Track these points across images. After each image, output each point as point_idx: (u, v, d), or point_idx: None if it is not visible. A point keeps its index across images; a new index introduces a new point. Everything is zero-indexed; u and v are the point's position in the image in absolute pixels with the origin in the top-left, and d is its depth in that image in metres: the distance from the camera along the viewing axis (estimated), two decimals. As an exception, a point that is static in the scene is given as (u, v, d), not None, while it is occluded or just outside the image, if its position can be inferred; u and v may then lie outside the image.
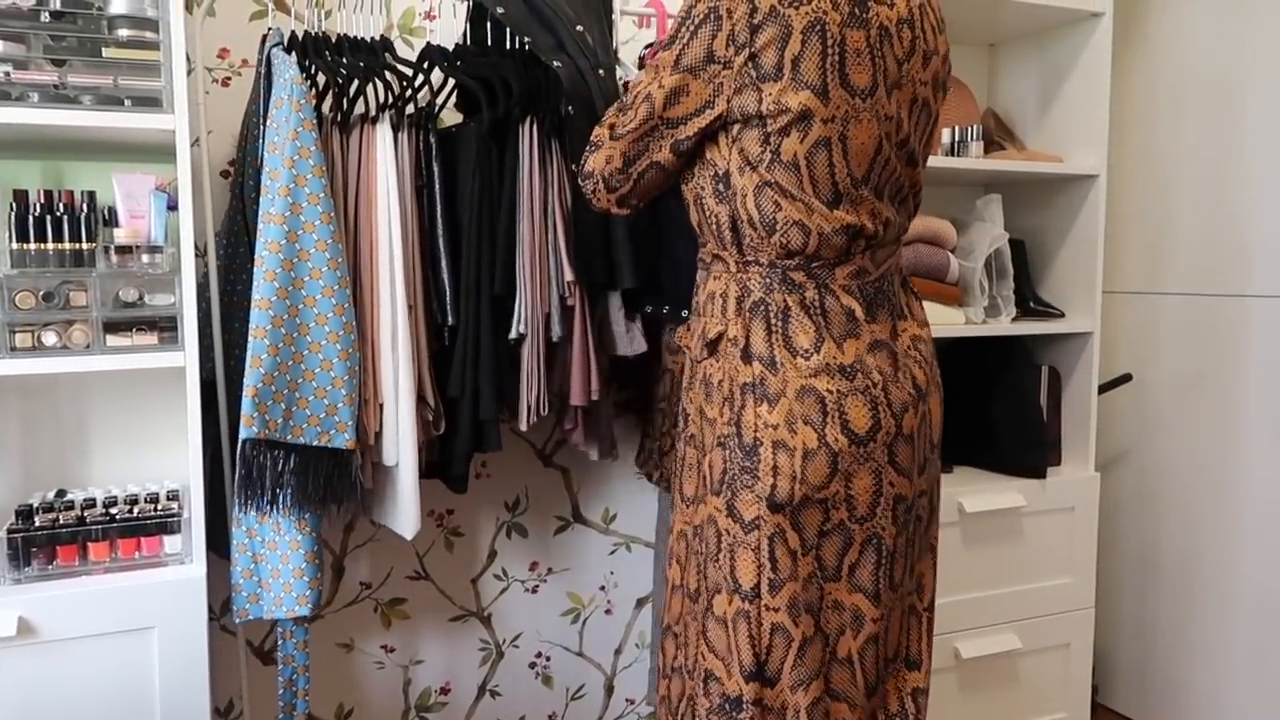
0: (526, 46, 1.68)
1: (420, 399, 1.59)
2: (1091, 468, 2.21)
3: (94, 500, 1.54)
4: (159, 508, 1.55)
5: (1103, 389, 2.26)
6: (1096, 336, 2.18)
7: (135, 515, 1.52)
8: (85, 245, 1.49)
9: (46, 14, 1.42)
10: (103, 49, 1.45)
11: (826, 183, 1.23)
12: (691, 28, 1.22)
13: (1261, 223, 2.09)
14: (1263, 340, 2.09)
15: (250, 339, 1.42)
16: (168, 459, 1.77)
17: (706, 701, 1.29)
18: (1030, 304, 2.20)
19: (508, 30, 1.72)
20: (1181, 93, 2.25)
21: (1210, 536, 2.21)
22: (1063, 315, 2.21)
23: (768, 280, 1.27)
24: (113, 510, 1.53)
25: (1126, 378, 2.32)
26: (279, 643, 1.58)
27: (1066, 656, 2.18)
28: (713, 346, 1.31)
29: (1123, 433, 2.41)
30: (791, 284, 1.27)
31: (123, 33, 1.47)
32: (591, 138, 1.36)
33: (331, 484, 1.45)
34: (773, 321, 1.27)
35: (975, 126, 2.12)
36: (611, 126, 1.32)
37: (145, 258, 1.51)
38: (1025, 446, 2.14)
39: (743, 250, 1.28)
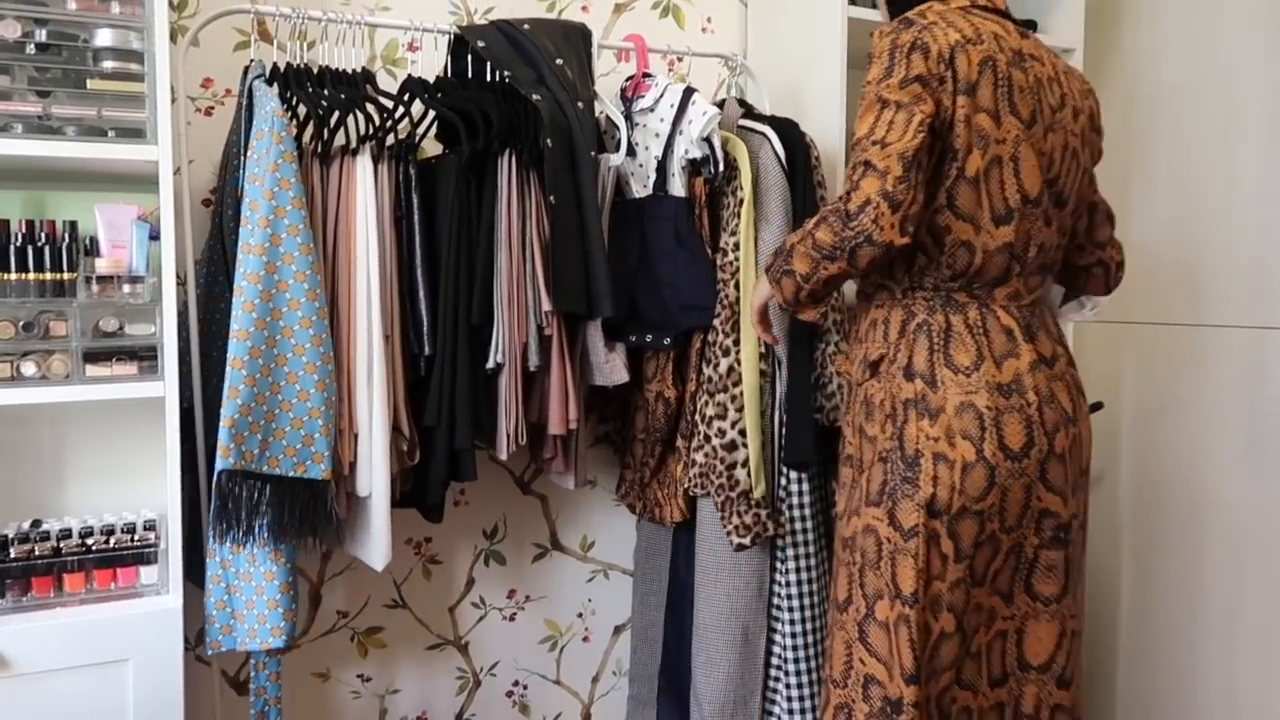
0: (507, 80, 1.70)
1: (395, 429, 1.59)
2: (1065, 496, 2.23)
3: (70, 531, 1.54)
4: (135, 538, 1.55)
5: (1076, 418, 2.29)
6: (1069, 366, 2.21)
7: (111, 546, 1.52)
8: (66, 275, 1.50)
9: (32, 46, 1.43)
10: (87, 80, 1.46)
11: (999, 199, 1.36)
12: (904, 54, 1.33)
13: (1224, 253, 2.13)
14: (1228, 369, 2.12)
15: (228, 369, 1.43)
16: (145, 488, 1.77)
17: (866, 706, 1.37)
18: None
19: (488, 63, 1.74)
20: (1151, 126, 2.29)
21: (1179, 562, 2.24)
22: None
23: (931, 303, 1.40)
24: (89, 541, 1.52)
25: (1099, 405, 2.35)
26: (252, 674, 1.58)
27: (1042, 684, 2.20)
28: (874, 368, 1.42)
29: (1095, 460, 2.44)
30: (955, 304, 1.39)
31: (107, 64, 1.48)
32: (854, 181, 1.30)
33: (307, 515, 1.46)
34: (935, 340, 1.38)
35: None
36: (867, 163, 1.30)
37: (126, 288, 1.52)
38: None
39: (911, 275, 1.41)
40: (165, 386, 1.50)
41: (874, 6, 2.12)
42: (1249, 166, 2.08)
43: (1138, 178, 2.33)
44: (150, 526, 1.61)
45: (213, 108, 1.84)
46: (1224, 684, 2.15)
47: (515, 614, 2.13)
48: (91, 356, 1.49)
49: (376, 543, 1.55)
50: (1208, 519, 2.17)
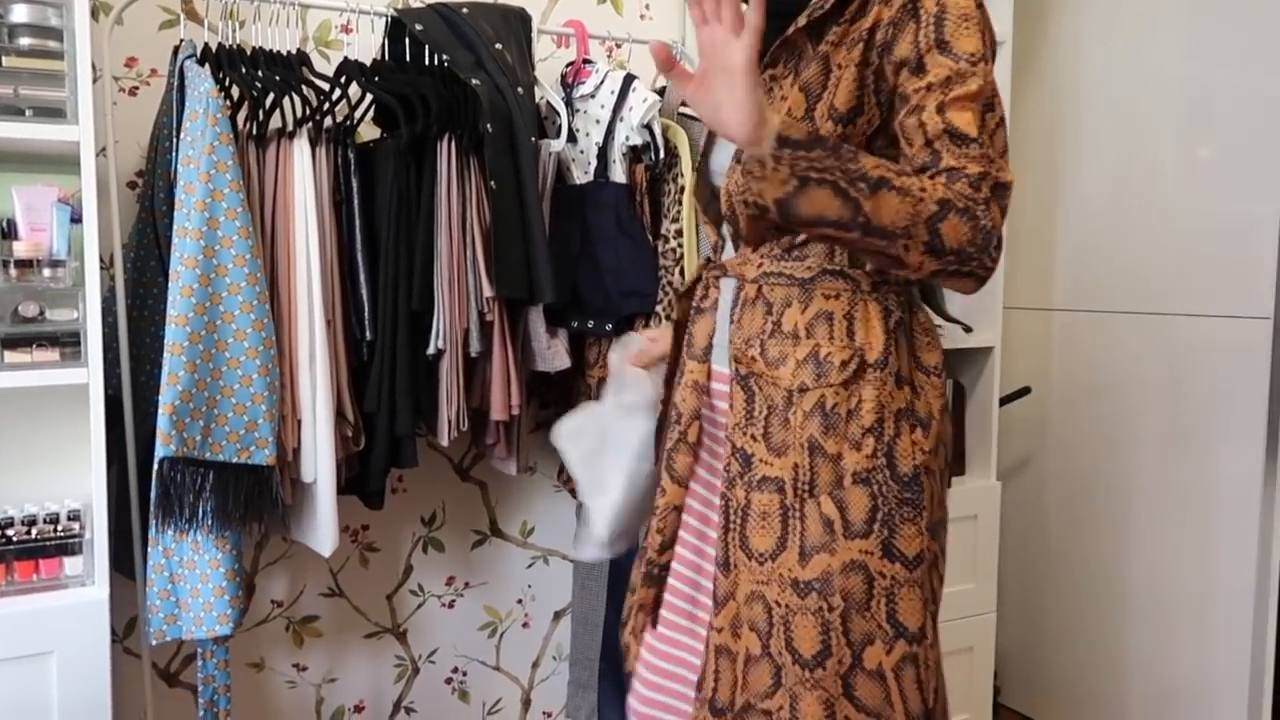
0: (445, 64, 1.68)
1: (339, 415, 1.57)
2: (993, 477, 2.30)
3: (-9, 522, 1.49)
4: (59, 528, 1.50)
5: (1003, 401, 2.36)
6: (998, 351, 2.28)
7: (34, 537, 1.47)
8: (-17, 259, 1.44)
9: (-57, 20, 1.37)
10: (2, 58, 1.41)
11: None
12: (980, 25, 1.04)
13: (1149, 243, 2.21)
14: (1153, 355, 2.21)
15: (166, 355, 1.40)
16: (69, 478, 1.72)
17: None
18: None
19: (426, 47, 1.72)
20: (1077, 117, 2.37)
21: (1104, 542, 2.33)
22: (971, 330, 2.30)
23: (901, 298, 1.15)
24: (9, 532, 1.47)
25: (1026, 390, 2.43)
26: (199, 663, 1.54)
27: (970, 660, 2.27)
28: (855, 372, 1.12)
29: (1023, 444, 2.52)
30: (913, 300, 1.17)
31: (24, 41, 1.43)
32: (988, 196, 0.99)
33: (252, 501, 1.43)
34: (911, 340, 1.16)
35: (883, 149, 2.19)
36: (1007, 185, 1.02)
37: (47, 271, 1.47)
38: (931, 457, 2.21)
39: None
40: (89, 373, 1.45)
41: None
42: (1170, 157, 2.17)
43: (1064, 167, 2.41)
44: (74, 516, 1.56)
45: (138, 88, 1.78)
46: (1151, 659, 2.25)
47: (454, 601, 2.12)
48: (10, 342, 1.44)
49: (323, 528, 1.53)
50: (1133, 500, 2.27)
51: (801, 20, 1.08)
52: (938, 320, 2.21)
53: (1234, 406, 2.04)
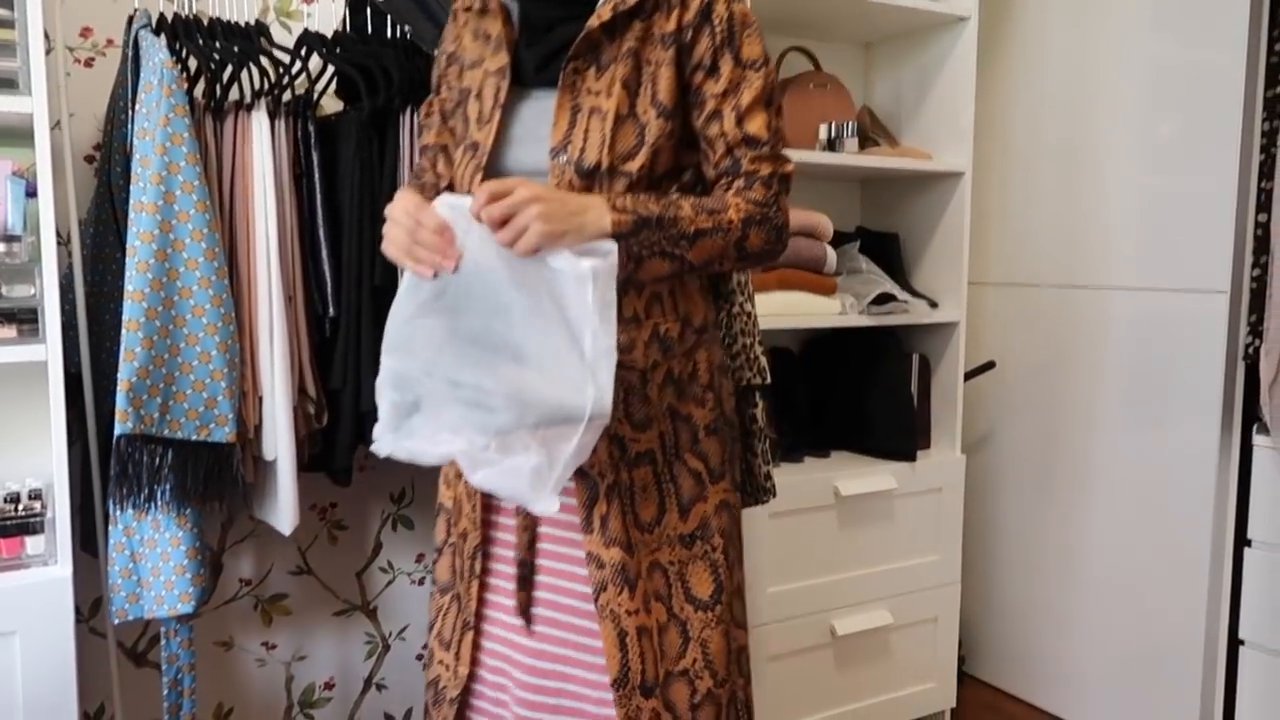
0: (408, 35, 1.66)
1: (302, 392, 1.56)
2: (958, 450, 2.33)
3: (-52, 502, 1.47)
4: (20, 508, 1.49)
5: (968, 376, 2.38)
6: (962, 326, 2.30)
7: (-5, 516, 1.45)
8: (-66, 233, 1.41)
9: (-112, -12, 1.34)
10: (-48, 26, 1.37)
11: None
12: (759, 32, 1.21)
13: (1109, 219, 2.24)
14: (1113, 329, 2.24)
15: (124, 332, 1.38)
16: (30, 457, 1.69)
17: (742, 680, 1.28)
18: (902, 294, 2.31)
19: (388, 18, 1.70)
20: (1040, 94, 2.38)
21: (1064, 513, 2.37)
22: (936, 305, 2.32)
23: None
24: (-31, 512, 1.46)
25: (990, 365, 2.46)
26: (163, 642, 1.54)
27: (935, 630, 2.31)
28: (684, 341, 1.24)
29: (987, 417, 2.56)
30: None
31: (-27, 9, 1.39)
32: (777, 193, 1.19)
33: (212, 479, 1.42)
34: (716, 304, 1.33)
35: (850, 123, 2.20)
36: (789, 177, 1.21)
37: (1, 247, 1.44)
38: (897, 432, 2.24)
39: None
40: (47, 350, 1.42)
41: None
42: (1130, 133, 2.19)
43: (1025, 144, 2.42)
44: (36, 495, 1.54)
45: (93, 59, 1.75)
46: (1103, 625, 2.29)
47: (424, 578, 2.12)
48: (-33, 320, 1.42)
49: (284, 506, 1.52)
50: (1093, 472, 2.30)
51: (595, 21, 1.15)
52: (903, 295, 2.23)
53: (1191, 379, 2.08)
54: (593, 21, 1.15)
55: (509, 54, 1.20)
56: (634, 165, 1.15)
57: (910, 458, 2.23)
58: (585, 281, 1.04)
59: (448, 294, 1.05)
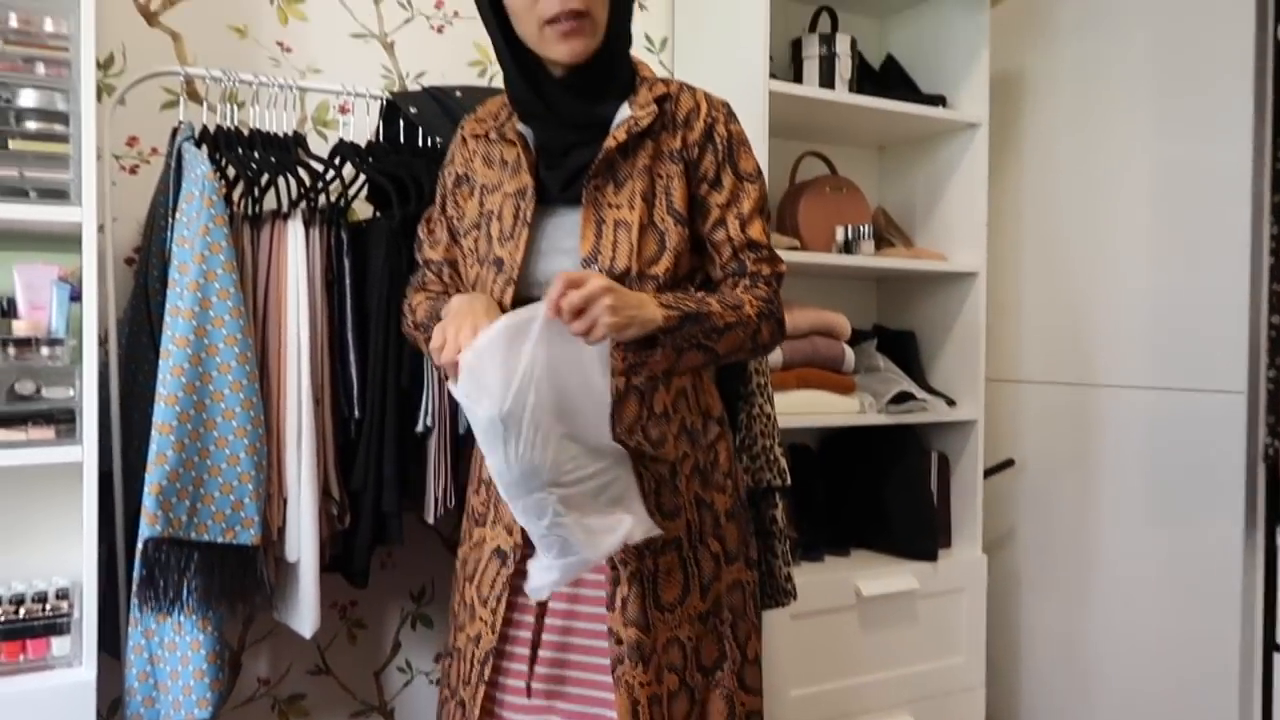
0: (437, 144, 1.73)
1: (326, 493, 1.58)
2: (979, 549, 2.31)
3: (-24, 600, 1.48)
4: (47, 607, 1.50)
5: (988, 473, 2.38)
6: (981, 424, 2.31)
7: (21, 617, 1.46)
8: (-20, 337, 1.46)
9: (-49, 107, 1.41)
10: (9, 141, 1.44)
11: None
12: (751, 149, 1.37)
13: (1123, 317, 2.26)
14: (1131, 427, 2.24)
15: (154, 434, 1.41)
16: (59, 554, 1.71)
17: None
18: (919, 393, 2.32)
19: (419, 128, 1.77)
20: (1051, 195, 2.43)
21: (1089, 614, 2.33)
22: (954, 404, 2.33)
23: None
24: (-3, 611, 1.47)
25: (1009, 463, 2.45)
26: (174, 747, 1.53)
27: (960, 734, 2.26)
28: (708, 433, 1.36)
29: (1007, 515, 2.54)
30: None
31: (31, 125, 1.47)
32: (777, 289, 1.34)
33: (236, 581, 1.43)
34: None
35: (866, 226, 2.25)
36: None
37: (45, 350, 1.49)
38: (918, 530, 2.23)
39: None
40: (84, 451, 1.46)
41: (797, 81, 2.22)
42: (1142, 232, 2.22)
43: (1039, 243, 2.46)
44: (63, 595, 1.55)
45: (137, 166, 1.83)
46: (1130, 730, 2.23)
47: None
48: (6, 420, 1.45)
49: (305, 609, 1.52)
50: (1115, 572, 2.28)
51: (612, 143, 1.26)
52: (921, 394, 2.24)
53: (1212, 478, 2.07)
54: (609, 143, 1.26)
55: (531, 176, 1.29)
56: (659, 269, 1.27)
57: (931, 557, 2.21)
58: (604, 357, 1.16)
59: (528, 411, 1.10)
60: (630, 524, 1.19)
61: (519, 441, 1.10)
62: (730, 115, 1.34)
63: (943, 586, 2.22)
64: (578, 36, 1.21)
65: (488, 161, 1.36)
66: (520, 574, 1.27)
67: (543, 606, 1.30)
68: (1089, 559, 2.33)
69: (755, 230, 1.32)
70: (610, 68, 1.28)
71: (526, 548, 1.27)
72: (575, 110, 1.28)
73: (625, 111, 1.28)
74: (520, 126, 1.32)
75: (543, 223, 1.29)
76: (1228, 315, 2.04)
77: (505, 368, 1.08)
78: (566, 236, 1.27)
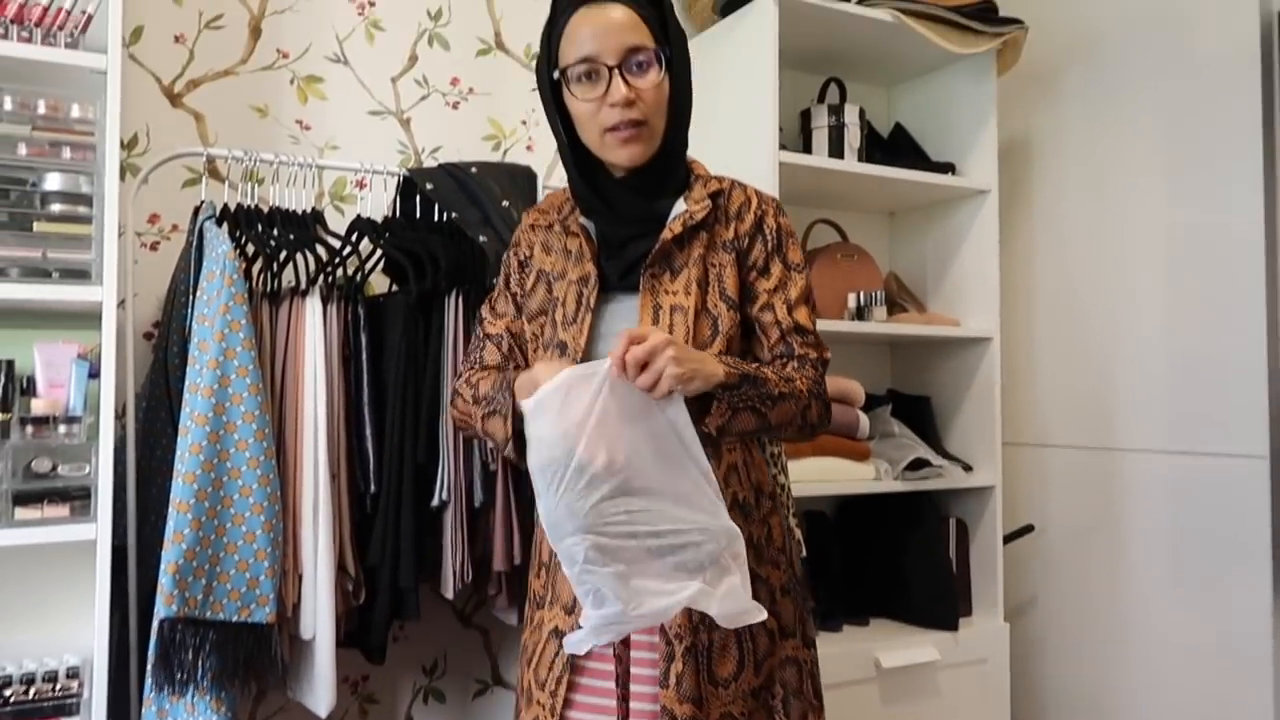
0: (454, 220, 1.75)
1: (341, 568, 1.57)
2: (1001, 618, 2.27)
3: (-12, 681, 1.47)
4: (57, 687, 1.49)
5: (1007, 540, 2.35)
6: (999, 489, 2.28)
7: (31, 697, 1.45)
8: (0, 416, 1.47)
9: (-21, 190, 1.44)
10: (34, 223, 1.47)
11: None
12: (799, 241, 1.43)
13: (1140, 381, 2.25)
14: (1152, 492, 2.21)
15: (172, 512, 1.41)
16: (72, 632, 1.70)
17: None
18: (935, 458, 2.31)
19: (436, 204, 1.79)
20: (1063, 259, 2.44)
21: (1115, 683, 2.28)
22: (970, 469, 2.31)
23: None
24: (7, 692, 1.46)
25: (1029, 528, 2.42)
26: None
27: (986, 811, 2.19)
28: (761, 507, 1.37)
29: (1029, 582, 2.50)
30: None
31: (55, 207, 1.49)
32: (824, 357, 1.38)
33: (251, 660, 1.42)
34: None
35: (878, 292, 2.25)
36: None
37: (62, 428, 1.50)
38: (937, 599, 2.20)
39: None
40: (97, 529, 1.46)
41: (807, 151, 2.25)
42: (1157, 297, 2.22)
43: (1052, 307, 2.46)
44: (73, 674, 1.54)
45: (159, 242, 1.86)
46: (1162, 806, 2.17)
47: (454, 753, 2.07)
48: (22, 499, 1.46)
49: (321, 687, 1.51)
50: (1142, 639, 2.23)
51: (669, 234, 1.32)
52: (937, 460, 2.23)
53: (1237, 544, 2.03)
54: (666, 235, 1.33)
55: (593, 265, 1.35)
56: (713, 350, 1.31)
57: (952, 626, 2.18)
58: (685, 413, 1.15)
59: (574, 459, 1.10)
60: (696, 591, 1.14)
61: (560, 486, 1.11)
62: (779, 209, 1.40)
63: (965, 657, 2.18)
64: (636, 143, 1.29)
65: (547, 249, 1.42)
66: (581, 660, 1.29)
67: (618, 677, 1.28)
68: (1114, 626, 2.29)
69: (802, 315, 1.36)
70: (666, 170, 1.36)
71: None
72: (634, 207, 1.35)
73: (681, 206, 1.35)
74: (583, 220, 1.39)
75: (603, 309, 1.35)
76: (1248, 379, 2.02)
77: (562, 416, 1.11)
78: (624, 321, 1.33)
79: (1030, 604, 2.49)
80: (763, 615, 1.17)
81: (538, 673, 1.32)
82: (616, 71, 1.26)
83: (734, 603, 1.16)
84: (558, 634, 1.30)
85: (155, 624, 1.39)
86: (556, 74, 1.30)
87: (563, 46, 1.30)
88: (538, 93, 1.42)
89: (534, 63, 2.21)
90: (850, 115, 2.25)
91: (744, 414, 1.24)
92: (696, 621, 1.27)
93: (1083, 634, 2.36)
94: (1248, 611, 2.01)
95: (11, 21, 1.51)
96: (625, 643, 1.29)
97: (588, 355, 1.31)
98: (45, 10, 1.53)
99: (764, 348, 1.36)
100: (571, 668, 1.29)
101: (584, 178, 1.35)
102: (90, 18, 1.57)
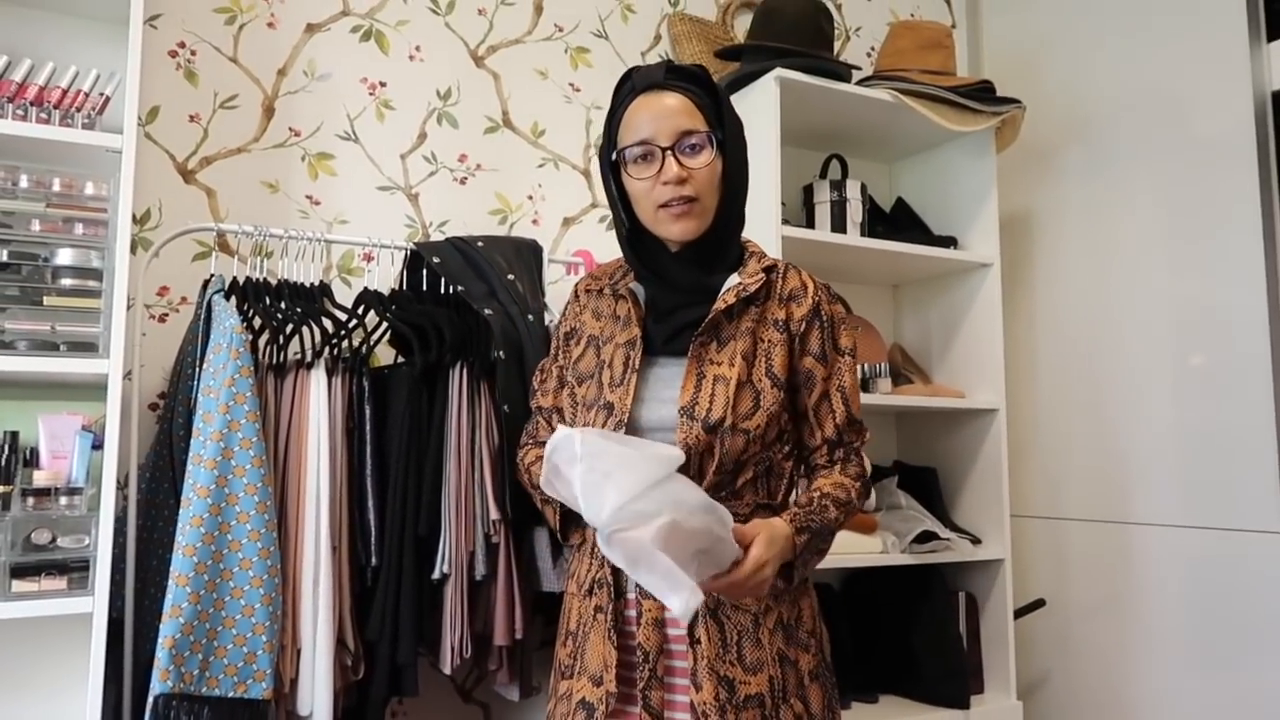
0: (460, 293, 1.77)
1: (340, 643, 1.55)
2: (1014, 695, 2.22)
3: (-22, 759, 1.45)
4: (49, 765, 1.46)
5: (1018, 614, 2.31)
6: (1008, 563, 2.25)
7: (23, 776, 1.42)
8: (1, 488, 1.47)
9: (-8, 265, 1.46)
10: (44, 297, 1.49)
11: None
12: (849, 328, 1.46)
13: (1148, 453, 2.23)
14: (1166, 567, 2.18)
15: (171, 585, 1.40)
16: (65, 705, 1.68)
17: None
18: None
19: (442, 277, 1.81)
20: (1066, 331, 2.45)
21: (1133, 766, 2.22)
22: (979, 541, 2.28)
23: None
24: (-2, 770, 1.43)
25: (1040, 603, 2.38)
26: None
27: None
28: (789, 583, 1.34)
29: (1041, 658, 2.45)
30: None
31: (66, 281, 1.52)
32: (865, 440, 1.43)
33: (244, 738, 1.39)
34: None
35: (883, 364, 2.26)
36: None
37: (64, 499, 1.50)
38: (947, 676, 2.15)
39: (785, 493, 1.43)
40: (94, 602, 1.45)
41: (810, 226, 2.28)
42: (1158, 369, 2.22)
43: (1056, 379, 2.46)
44: (66, 752, 1.52)
45: (167, 314, 1.88)
46: None
47: (452, 837, 2.01)
48: (19, 571, 1.45)
49: (315, 767, 1.47)
50: (1151, 713, 2.18)
51: (721, 305, 1.35)
52: (945, 533, 2.20)
53: (1256, 620, 2.00)
54: (719, 305, 1.36)
55: (640, 329, 1.39)
56: (751, 425, 1.32)
57: (964, 705, 2.13)
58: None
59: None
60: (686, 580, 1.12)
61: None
62: (831, 296, 1.43)
63: (977, 737, 2.13)
64: (688, 218, 1.34)
65: (596, 315, 1.46)
66: None
67: None
68: (1130, 704, 2.23)
69: (856, 407, 1.40)
70: (720, 245, 1.39)
71: (618, 699, 1.28)
72: (686, 279, 1.39)
73: (734, 279, 1.38)
74: (633, 284, 1.43)
75: (647, 373, 1.37)
76: (1257, 453, 2.01)
77: (635, 473, 1.12)
78: (667, 387, 1.35)
79: (1044, 681, 2.43)
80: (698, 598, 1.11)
81: None
82: (670, 153, 1.32)
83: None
84: (585, 706, 1.29)
85: (150, 700, 1.37)
86: (615, 155, 1.36)
87: (621, 131, 1.36)
88: (599, 170, 1.50)
89: (540, 138, 2.26)
90: (852, 190, 2.28)
91: (811, 560, 1.32)
92: (724, 699, 1.26)
93: (1098, 712, 2.30)
94: (1266, 690, 1.96)
95: (32, 103, 1.55)
96: (654, 716, 1.27)
97: (633, 417, 1.34)
98: (64, 93, 1.57)
99: (816, 435, 1.39)
100: None
101: (638, 251, 1.40)
102: (108, 99, 1.62)
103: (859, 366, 2.25)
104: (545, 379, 1.52)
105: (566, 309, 1.52)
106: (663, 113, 1.33)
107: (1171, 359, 2.20)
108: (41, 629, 1.68)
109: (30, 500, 1.47)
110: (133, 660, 1.59)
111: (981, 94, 2.27)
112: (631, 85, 1.38)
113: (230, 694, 1.40)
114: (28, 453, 1.55)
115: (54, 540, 1.49)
